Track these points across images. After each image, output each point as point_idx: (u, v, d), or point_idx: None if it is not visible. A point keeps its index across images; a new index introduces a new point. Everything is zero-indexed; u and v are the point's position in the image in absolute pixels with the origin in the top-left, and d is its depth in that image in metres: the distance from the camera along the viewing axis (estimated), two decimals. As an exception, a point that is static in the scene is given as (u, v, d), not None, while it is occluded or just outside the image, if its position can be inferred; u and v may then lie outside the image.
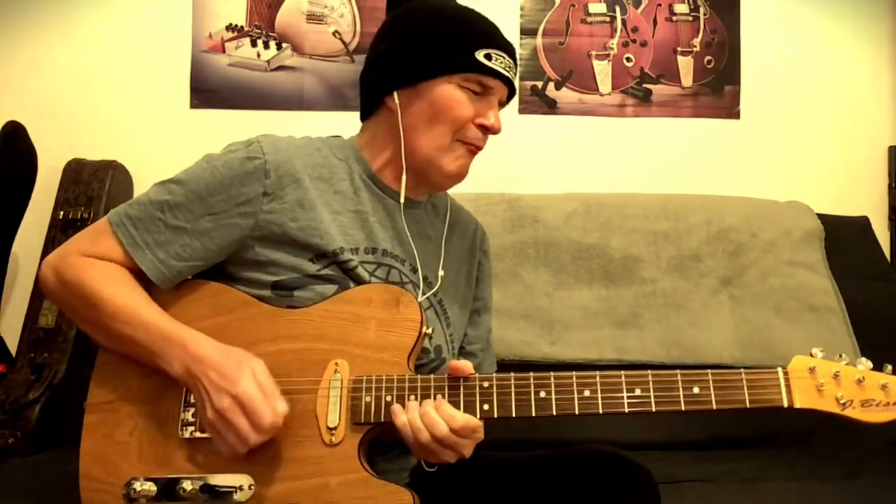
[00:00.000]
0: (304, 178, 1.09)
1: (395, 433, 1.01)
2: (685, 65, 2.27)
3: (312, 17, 2.23)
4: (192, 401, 1.03)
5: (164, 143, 2.19)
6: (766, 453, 1.65)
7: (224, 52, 2.21)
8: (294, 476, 0.99)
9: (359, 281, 1.08)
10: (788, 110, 2.28)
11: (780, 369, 0.98)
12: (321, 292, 1.06)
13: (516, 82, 1.18)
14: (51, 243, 1.94)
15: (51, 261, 1.09)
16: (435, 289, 1.17)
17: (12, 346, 1.95)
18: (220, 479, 0.99)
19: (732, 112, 2.28)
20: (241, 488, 0.98)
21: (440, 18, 1.15)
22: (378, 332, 1.03)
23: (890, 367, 0.98)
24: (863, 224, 2.11)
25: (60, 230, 1.95)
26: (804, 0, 2.30)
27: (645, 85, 2.27)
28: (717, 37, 2.27)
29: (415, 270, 1.16)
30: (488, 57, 1.10)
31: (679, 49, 2.27)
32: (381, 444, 1.08)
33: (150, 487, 0.99)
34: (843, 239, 2.03)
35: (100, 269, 1.05)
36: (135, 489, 0.98)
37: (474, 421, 0.97)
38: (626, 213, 1.97)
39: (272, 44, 2.22)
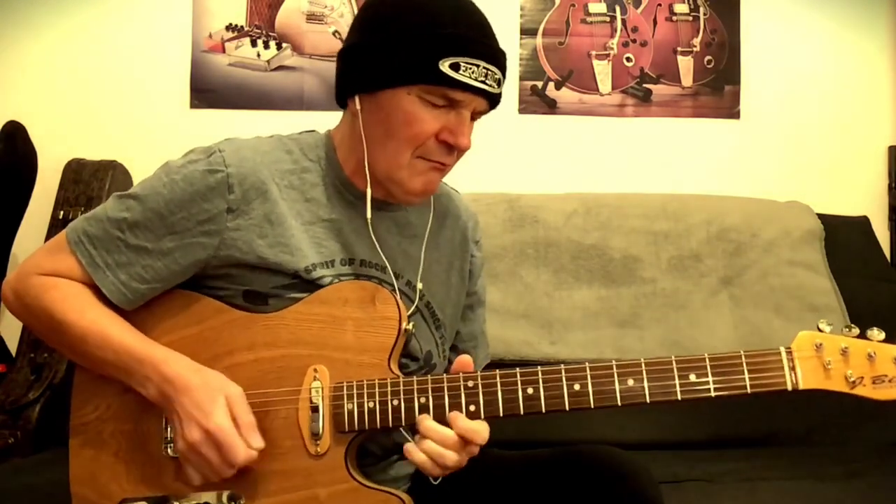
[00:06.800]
0: (271, 188, 1.02)
1: (381, 436, 0.99)
2: (685, 65, 2.27)
3: (312, 17, 2.23)
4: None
5: (164, 143, 2.17)
6: (766, 453, 1.65)
7: (224, 52, 2.21)
8: (283, 490, 0.97)
9: None
10: (788, 110, 2.28)
11: (782, 349, 0.91)
12: (297, 299, 1.02)
13: (503, 88, 1.04)
14: (51, 243, 1.94)
15: (10, 282, 1.05)
16: (417, 300, 1.10)
17: (12, 346, 1.95)
18: (211, 497, 0.96)
19: (732, 112, 2.27)
20: None
21: (408, 16, 0.99)
22: (356, 334, 0.99)
23: None
24: (863, 224, 2.11)
25: (60, 230, 1.95)
26: (804, 0, 2.30)
27: (645, 85, 2.26)
28: (717, 37, 2.27)
29: (398, 276, 1.10)
30: (455, 67, 0.96)
31: (679, 49, 2.26)
32: (377, 453, 1.07)
33: None
34: (843, 239, 2.03)
35: (61, 289, 1.01)
36: None
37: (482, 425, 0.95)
38: (626, 213, 1.97)
39: (272, 44, 2.22)
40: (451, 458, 0.93)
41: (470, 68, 0.97)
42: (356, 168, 1.07)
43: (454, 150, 1.02)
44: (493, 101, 1.04)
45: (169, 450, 1.01)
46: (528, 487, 1.04)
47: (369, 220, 1.06)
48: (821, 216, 2.03)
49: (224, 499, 0.95)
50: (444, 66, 0.96)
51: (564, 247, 1.92)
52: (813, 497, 1.38)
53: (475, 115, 1.04)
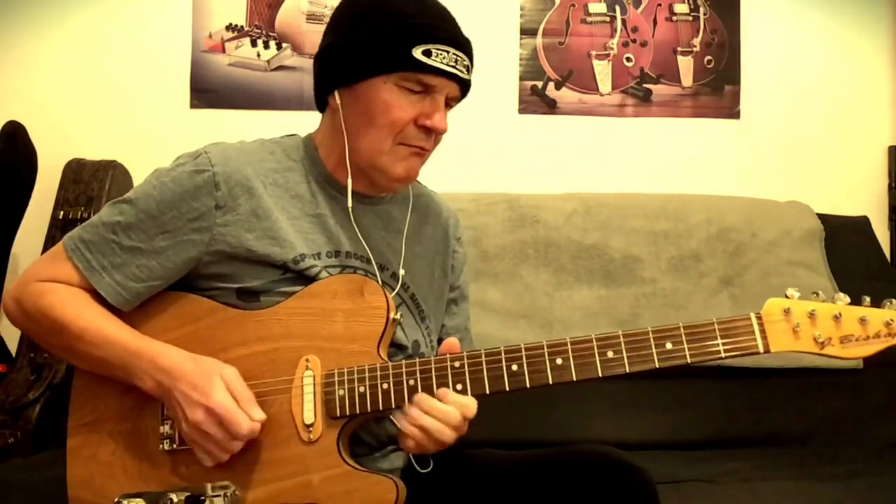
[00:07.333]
0: (256, 185, 1.06)
1: (372, 423, 1.01)
2: (685, 65, 2.27)
3: (312, 17, 2.23)
4: (168, 413, 1.02)
5: (164, 143, 2.19)
6: (766, 453, 1.65)
7: (224, 52, 2.21)
8: (276, 477, 0.99)
9: None
10: (788, 110, 2.28)
11: (752, 315, 0.94)
12: (288, 293, 1.05)
13: (472, 75, 1.10)
14: (51, 243, 1.94)
15: (11, 292, 1.09)
16: (398, 286, 1.13)
17: (12, 346, 1.95)
18: (204, 489, 0.97)
19: (732, 112, 2.28)
20: (226, 496, 0.98)
21: (378, 11, 1.06)
22: (346, 324, 1.02)
23: (868, 300, 0.94)
24: (863, 224, 2.11)
25: (60, 230, 1.95)
26: (804, 0, 2.30)
27: (645, 85, 2.27)
28: (717, 37, 2.27)
29: (383, 268, 1.14)
30: (427, 53, 1.02)
31: (679, 49, 2.27)
32: (370, 443, 1.09)
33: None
34: (843, 239, 2.03)
35: (59, 293, 1.04)
36: None
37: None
38: (626, 213, 1.97)
39: (272, 44, 2.22)
40: (450, 435, 0.97)
41: (441, 54, 1.03)
42: (338, 163, 1.12)
43: (432, 133, 1.07)
44: (464, 87, 1.10)
45: (164, 445, 1.02)
46: (527, 487, 1.04)
47: (350, 209, 1.10)
48: (821, 216, 2.03)
49: (216, 489, 0.96)
50: (417, 52, 1.02)
51: (564, 247, 1.92)
52: (813, 497, 1.38)
53: (449, 102, 1.09)
